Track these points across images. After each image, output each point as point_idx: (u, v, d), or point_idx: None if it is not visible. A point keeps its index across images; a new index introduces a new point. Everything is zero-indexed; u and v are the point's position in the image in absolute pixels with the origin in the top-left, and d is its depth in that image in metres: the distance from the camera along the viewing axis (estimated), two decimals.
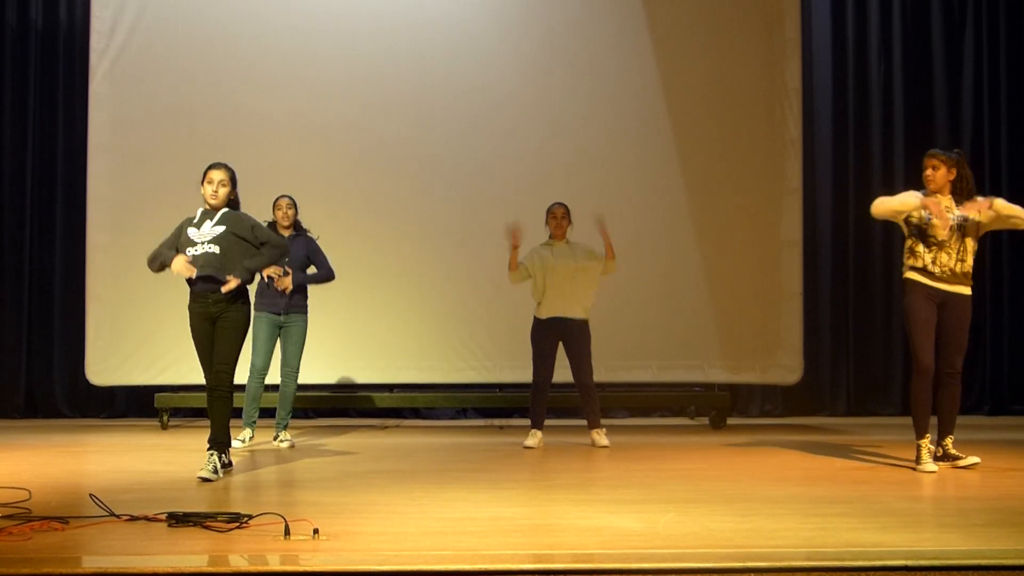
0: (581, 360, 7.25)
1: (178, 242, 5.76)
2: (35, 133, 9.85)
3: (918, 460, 5.89)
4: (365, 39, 9.09)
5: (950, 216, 5.86)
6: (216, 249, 5.66)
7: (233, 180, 5.79)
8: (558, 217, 7.38)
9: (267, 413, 7.58)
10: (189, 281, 5.71)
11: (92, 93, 8.97)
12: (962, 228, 5.87)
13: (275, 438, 7.28)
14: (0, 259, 9.78)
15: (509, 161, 9.09)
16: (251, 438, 7.23)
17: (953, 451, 6.02)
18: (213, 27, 9.05)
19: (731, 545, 3.80)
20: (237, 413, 6.37)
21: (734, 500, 4.86)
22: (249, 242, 5.73)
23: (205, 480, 5.45)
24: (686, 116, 9.14)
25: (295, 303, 7.28)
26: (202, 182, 5.78)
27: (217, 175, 5.75)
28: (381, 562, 3.47)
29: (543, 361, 7.27)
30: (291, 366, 7.30)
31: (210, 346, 5.69)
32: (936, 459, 5.94)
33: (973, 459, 5.93)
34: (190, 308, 5.75)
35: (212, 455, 5.58)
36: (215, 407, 5.64)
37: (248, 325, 5.79)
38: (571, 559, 3.62)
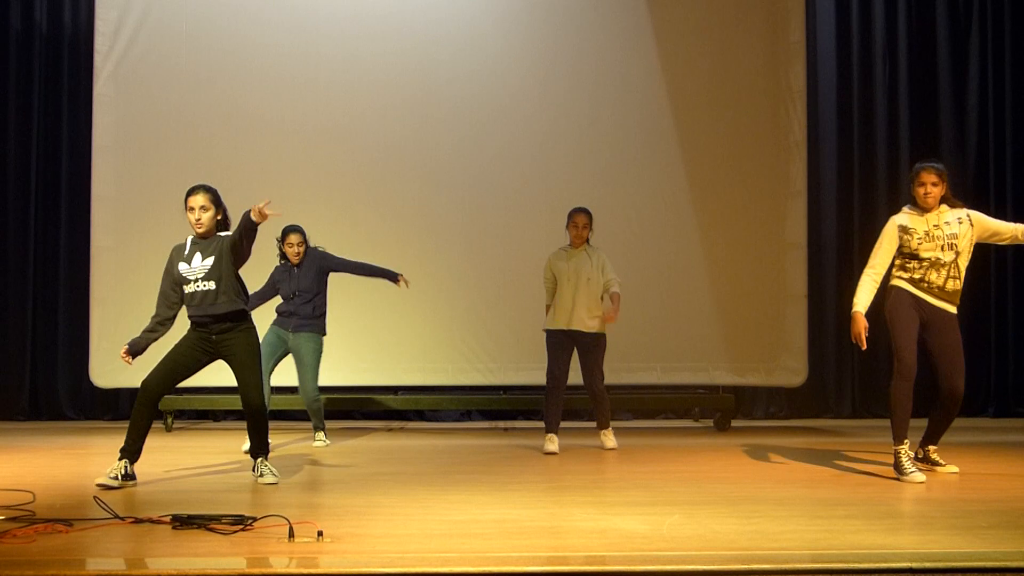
0: (593, 369, 7.12)
1: (173, 277, 5.54)
2: (39, 135, 9.85)
3: (900, 470, 5.58)
4: (369, 42, 9.08)
5: (941, 234, 5.70)
6: (212, 285, 5.45)
7: (216, 201, 5.48)
8: (579, 227, 7.15)
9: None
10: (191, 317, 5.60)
11: (96, 95, 8.98)
12: (953, 246, 5.69)
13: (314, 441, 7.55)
14: (4, 261, 9.79)
15: (513, 164, 9.08)
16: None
17: (935, 457, 5.94)
18: (217, 29, 9.05)
19: (736, 547, 3.79)
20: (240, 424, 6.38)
21: (738, 502, 4.85)
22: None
23: (262, 475, 5.55)
24: (690, 118, 9.13)
25: (306, 322, 7.29)
26: (185, 209, 5.50)
27: (196, 200, 5.43)
28: (385, 564, 3.47)
29: (554, 362, 7.03)
30: (307, 390, 7.29)
31: (184, 368, 5.50)
32: (916, 459, 5.85)
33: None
34: (190, 332, 5.57)
35: (262, 464, 5.59)
36: (251, 424, 5.58)
37: (258, 344, 5.65)
38: (576, 561, 3.61)
